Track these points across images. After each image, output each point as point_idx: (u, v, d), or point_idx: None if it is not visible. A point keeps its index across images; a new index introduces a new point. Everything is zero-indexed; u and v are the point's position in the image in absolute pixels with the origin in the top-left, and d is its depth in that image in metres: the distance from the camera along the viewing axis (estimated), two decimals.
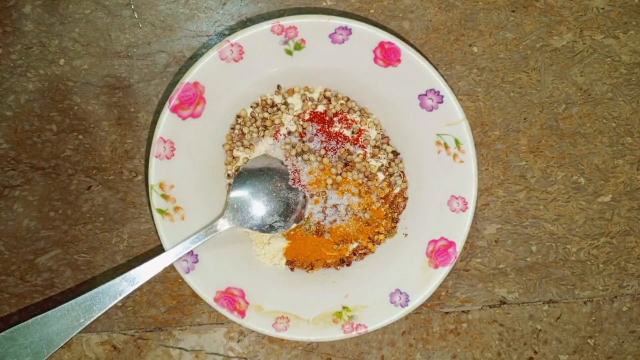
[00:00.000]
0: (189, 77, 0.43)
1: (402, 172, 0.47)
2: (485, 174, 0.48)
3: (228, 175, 0.46)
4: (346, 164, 0.46)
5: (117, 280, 0.42)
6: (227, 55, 0.43)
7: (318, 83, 0.46)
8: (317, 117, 0.46)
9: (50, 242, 0.47)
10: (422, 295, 0.44)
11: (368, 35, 0.43)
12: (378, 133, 0.47)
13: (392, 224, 0.46)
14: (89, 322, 0.41)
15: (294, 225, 0.46)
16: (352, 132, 0.46)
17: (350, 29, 0.43)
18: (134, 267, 0.42)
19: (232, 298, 0.44)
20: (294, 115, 0.46)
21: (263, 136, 0.46)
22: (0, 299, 0.47)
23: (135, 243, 0.47)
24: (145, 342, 0.47)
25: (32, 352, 0.41)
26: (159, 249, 0.45)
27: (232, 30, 0.48)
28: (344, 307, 0.45)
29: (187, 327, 0.47)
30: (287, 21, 0.42)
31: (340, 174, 0.46)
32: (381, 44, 0.43)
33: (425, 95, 0.44)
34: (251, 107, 0.46)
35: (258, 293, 0.45)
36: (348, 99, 0.46)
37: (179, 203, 0.44)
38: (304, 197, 0.46)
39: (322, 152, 0.46)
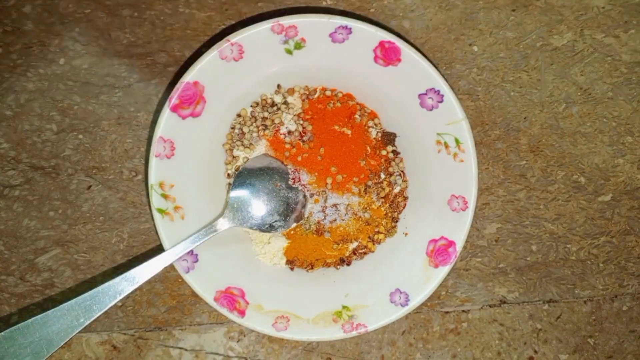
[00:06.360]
0: (189, 77, 0.43)
1: (402, 171, 0.47)
2: (485, 173, 0.48)
3: (228, 174, 0.46)
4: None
5: (117, 280, 0.42)
6: (227, 54, 0.43)
7: (318, 82, 0.46)
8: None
9: (50, 241, 0.47)
10: (422, 295, 0.44)
11: (368, 35, 0.43)
12: (378, 132, 0.47)
13: (392, 224, 0.46)
14: (88, 322, 0.41)
15: (294, 224, 0.46)
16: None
17: (350, 28, 0.43)
18: (133, 266, 0.42)
19: (232, 298, 0.44)
20: (294, 115, 0.46)
21: (263, 135, 0.46)
22: (0, 298, 0.46)
23: (135, 243, 0.47)
24: (145, 341, 0.47)
25: (32, 351, 0.41)
26: (159, 249, 0.45)
27: (232, 29, 0.48)
28: (344, 307, 0.45)
29: (187, 326, 0.47)
30: (287, 20, 0.42)
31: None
32: (381, 43, 0.43)
33: (426, 94, 0.44)
34: (251, 106, 0.46)
35: (258, 292, 0.45)
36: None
37: (179, 203, 0.44)
38: (304, 196, 0.46)
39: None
